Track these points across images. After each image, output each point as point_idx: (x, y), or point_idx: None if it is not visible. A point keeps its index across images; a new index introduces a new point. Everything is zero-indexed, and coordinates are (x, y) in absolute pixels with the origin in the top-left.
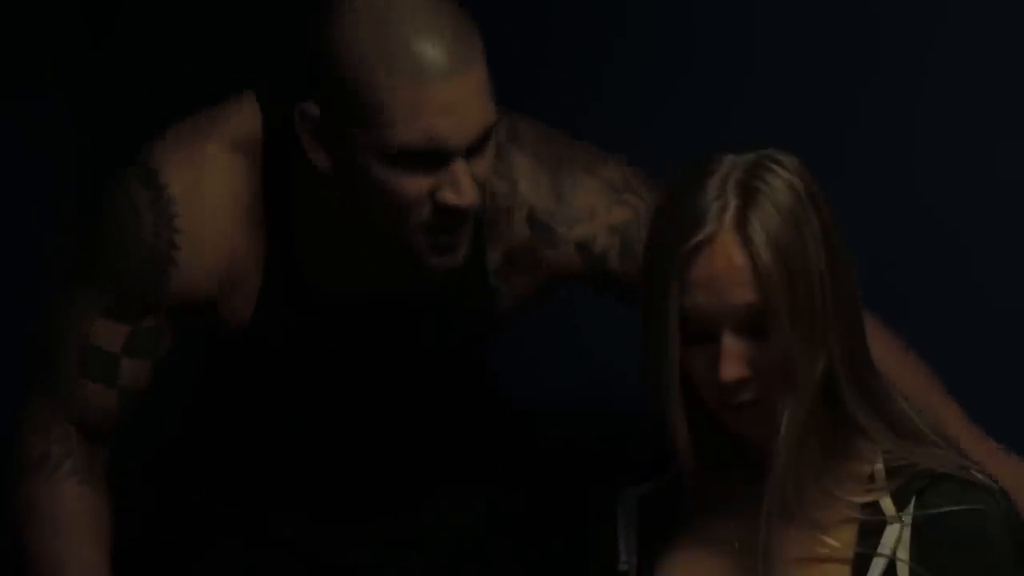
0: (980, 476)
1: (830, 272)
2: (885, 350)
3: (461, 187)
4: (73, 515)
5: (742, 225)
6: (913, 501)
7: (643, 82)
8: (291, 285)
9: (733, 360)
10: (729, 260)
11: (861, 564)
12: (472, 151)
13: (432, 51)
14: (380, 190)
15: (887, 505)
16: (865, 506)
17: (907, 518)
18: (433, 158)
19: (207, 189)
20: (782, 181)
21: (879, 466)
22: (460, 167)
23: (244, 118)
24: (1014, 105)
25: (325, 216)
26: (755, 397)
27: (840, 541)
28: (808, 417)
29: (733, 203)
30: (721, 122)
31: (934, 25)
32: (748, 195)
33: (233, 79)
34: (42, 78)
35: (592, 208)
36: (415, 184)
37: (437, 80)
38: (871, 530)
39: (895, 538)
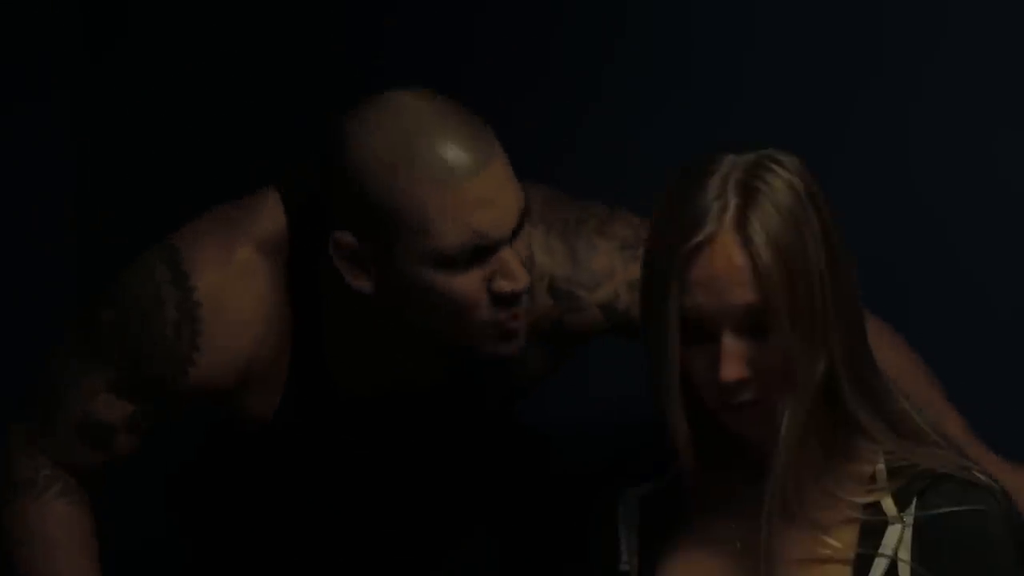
0: (981, 477)
1: (830, 272)
2: (887, 350)
3: (513, 272)
4: (65, 535)
5: (742, 225)
6: (914, 501)
7: (643, 82)
8: (317, 384)
9: (733, 360)
10: (729, 260)
11: (862, 564)
12: (513, 235)
13: (457, 152)
14: (437, 296)
15: (888, 505)
16: (866, 506)
17: (908, 518)
18: (482, 252)
19: (235, 293)
20: (782, 181)
21: (880, 466)
22: (508, 253)
23: (269, 217)
24: (1013, 105)
25: (358, 324)
26: (755, 397)
27: (841, 541)
28: (808, 417)
29: (733, 203)
30: (720, 122)
31: (933, 25)
32: (748, 195)
33: (232, 79)
34: (41, 79)
35: (610, 268)
36: (470, 281)
37: (469, 178)
38: (872, 530)
39: (896, 538)
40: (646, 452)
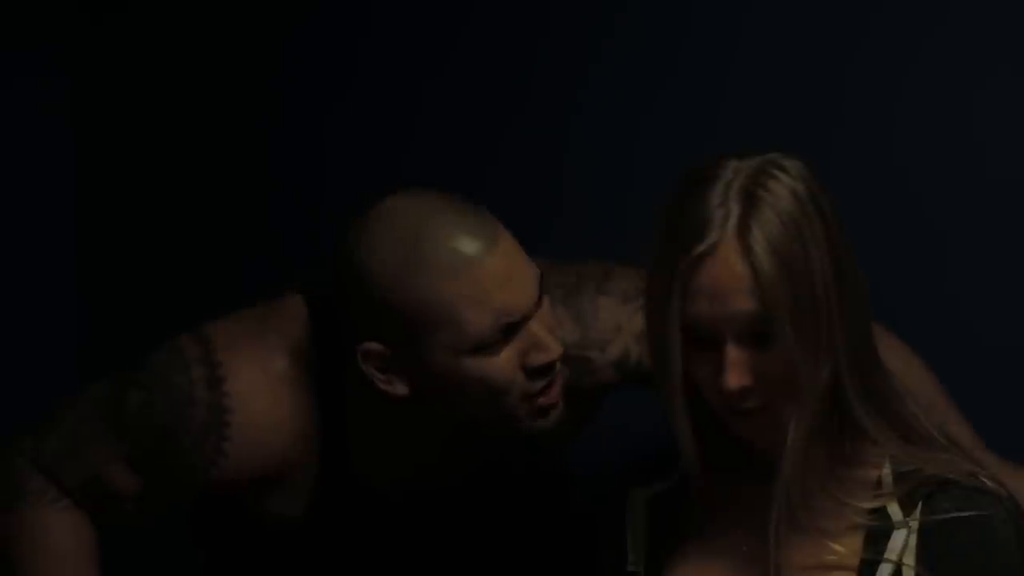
0: (988, 482)
1: (835, 277)
2: (889, 355)
3: (544, 343)
4: (71, 546)
5: (744, 234)
6: (920, 506)
7: (639, 82)
8: (345, 484)
9: (736, 368)
10: (731, 269)
11: (868, 570)
12: (535, 306)
13: (464, 239)
14: (474, 383)
15: (894, 510)
16: (872, 512)
17: (914, 523)
18: (510, 330)
19: (267, 403)
20: (784, 187)
21: (886, 471)
22: (535, 326)
23: (297, 324)
24: (1004, 105)
25: (387, 422)
26: (760, 404)
27: (847, 547)
28: (814, 422)
29: (735, 211)
30: (717, 122)
31: (926, 23)
32: (750, 203)
33: (231, 68)
34: (41, 62)
35: (616, 324)
36: (504, 361)
37: (482, 260)
38: (878, 535)
39: (902, 543)
40: (654, 453)
